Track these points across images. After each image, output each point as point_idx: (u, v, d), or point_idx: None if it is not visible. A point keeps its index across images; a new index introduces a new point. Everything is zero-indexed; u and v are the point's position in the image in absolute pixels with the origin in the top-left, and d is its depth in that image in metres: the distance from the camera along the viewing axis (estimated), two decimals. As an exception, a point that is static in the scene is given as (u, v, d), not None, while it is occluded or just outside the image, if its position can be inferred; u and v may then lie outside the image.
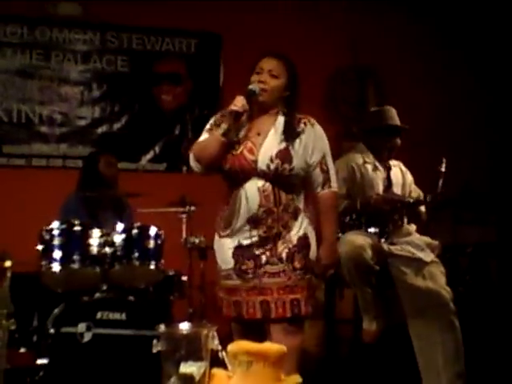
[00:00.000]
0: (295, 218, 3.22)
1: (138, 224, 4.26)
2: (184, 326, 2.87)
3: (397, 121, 4.32)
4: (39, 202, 5.43)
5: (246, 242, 3.18)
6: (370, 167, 4.30)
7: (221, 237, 3.27)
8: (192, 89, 6.40)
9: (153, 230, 4.21)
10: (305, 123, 3.27)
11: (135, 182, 5.13)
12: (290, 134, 3.20)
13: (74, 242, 4.07)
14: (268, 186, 3.16)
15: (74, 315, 3.84)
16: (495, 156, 6.71)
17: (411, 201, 4.21)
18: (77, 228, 4.09)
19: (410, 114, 6.41)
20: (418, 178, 4.71)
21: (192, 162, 3.26)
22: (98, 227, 4.16)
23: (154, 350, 2.71)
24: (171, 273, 4.71)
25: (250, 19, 6.27)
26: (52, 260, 4.02)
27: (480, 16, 6.69)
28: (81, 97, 6.13)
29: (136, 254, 4.12)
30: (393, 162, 4.45)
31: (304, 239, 3.24)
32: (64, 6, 6.01)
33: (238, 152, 3.19)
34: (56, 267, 4.01)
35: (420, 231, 4.39)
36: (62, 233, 4.06)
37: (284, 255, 3.18)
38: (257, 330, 3.23)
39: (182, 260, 5.01)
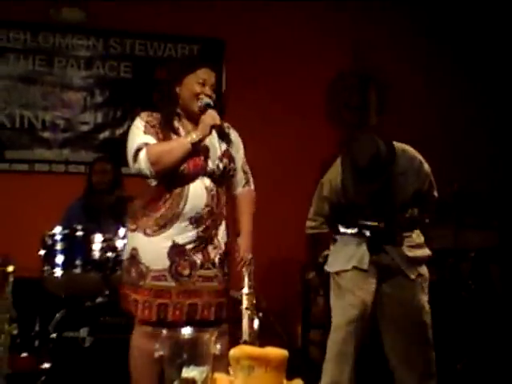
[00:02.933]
0: (222, 221, 3.33)
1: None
2: (186, 331, 2.88)
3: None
4: (42, 207, 5.44)
5: (181, 242, 3.19)
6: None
7: (149, 235, 3.20)
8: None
9: (155, 235, 4.21)
10: (228, 127, 3.41)
11: (137, 187, 5.12)
12: (224, 137, 3.30)
13: (76, 248, 4.10)
14: (213, 186, 3.25)
15: (75, 320, 3.87)
16: (498, 160, 6.71)
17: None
18: (79, 233, 4.12)
19: (411, 119, 6.47)
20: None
21: (144, 164, 3.15)
22: (100, 232, 4.18)
23: (156, 355, 2.72)
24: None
25: (253, 25, 6.28)
26: (54, 265, 4.05)
27: (483, 22, 6.70)
28: (83, 102, 6.13)
29: (138, 259, 4.12)
30: (404, 165, 4.38)
31: (228, 244, 3.37)
32: (67, 12, 6.01)
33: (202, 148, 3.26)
34: (58, 272, 4.04)
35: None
36: (64, 238, 4.10)
37: (217, 260, 3.27)
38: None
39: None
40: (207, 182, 3.23)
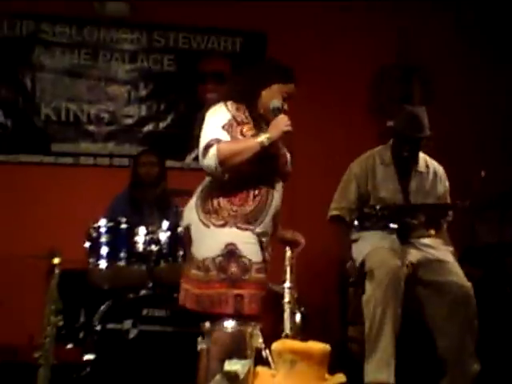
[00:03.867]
0: None
1: (183, 222, 4.30)
2: (229, 324, 2.90)
3: (422, 130, 4.25)
4: (86, 200, 5.50)
5: (263, 238, 3.24)
6: (382, 168, 4.35)
7: (244, 229, 3.18)
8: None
9: (198, 229, 4.24)
10: None
11: (180, 180, 5.16)
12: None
13: (120, 240, 4.14)
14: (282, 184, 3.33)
15: (119, 312, 3.91)
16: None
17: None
18: (123, 226, 4.16)
19: (456, 113, 6.39)
20: (461, 177, 4.68)
21: (212, 161, 3.13)
22: (144, 225, 4.21)
23: (199, 348, 2.74)
24: (215, 270, 4.73)
25: (295, 18, 6.26)
26: (99, 257, 4.10)
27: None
28: (128, 96, 6.18)
29: (181, 252, 4.16)
30: (426, 167, 4.41)
31: None
32: (111, 6, 6.06)
33: (284, 151, 3.32)
34: (103, 264, 4.09)
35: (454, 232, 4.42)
36: (109, 230, 4.14)
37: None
38: None
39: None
40: (281, 182, 3.33)
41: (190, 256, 3.31)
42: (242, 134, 3.19)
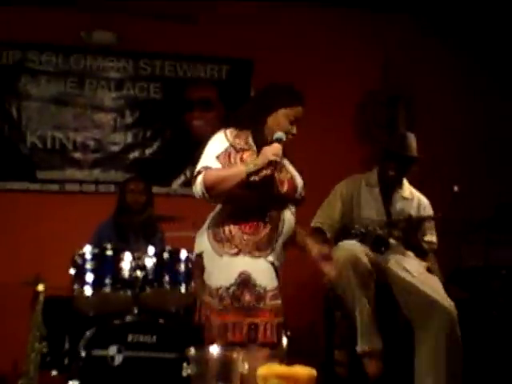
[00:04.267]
0: None
1: (169, 248, 4.30)
2: (214, 349, 2.88)
3: (410, 151, 4.32)
4: (72, 226, 5.48)
5: (276, 263, 3.22)
6: (367, 190, 4.39)
7: (256, 257, 3.16)
8: (223, 114, 6.44)
9: (183, 254, 4.25)
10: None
11: (166, 206, 5.16)
12: (298, 170, 3.36)
13: (105, 266, 4.12)
14: (294, 209, 3.29)
15: (105, 338, 3.87)
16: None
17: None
18: (108, 252, 4.15)
19: (441, 138, 6.43)
20: (447, 201, 4.70)
21: (199, 188, 3.15)
22: (130, 251, 4.20)
23: (185, 374, 2.72)
24: (202, 296, 4.71)
25: (281, 45, 6.29)
26: (84, 284, 4.07)
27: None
28: (114, 123, 6.20)
29: (167, 278, 4.16)
30: (410, 194, 4.45)
31: None
32: (98, 35, 6.09)
33: (290, 176, 3.29)
34: (88, 291, 4.06)
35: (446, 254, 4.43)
36: (94, 257, 4.12)
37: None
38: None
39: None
40: (292, 208, 3.28)
41: (201, 282, 3.30)
42: (241, 160, 3.17)
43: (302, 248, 3.35)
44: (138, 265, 4.16)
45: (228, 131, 3.27)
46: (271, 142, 3.15)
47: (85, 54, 6.15)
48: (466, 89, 6.61)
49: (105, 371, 3.79)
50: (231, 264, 3.15)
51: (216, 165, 3.17)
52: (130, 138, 6.21)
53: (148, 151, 6.23)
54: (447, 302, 3.99)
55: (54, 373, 4.10)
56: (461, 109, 6.56)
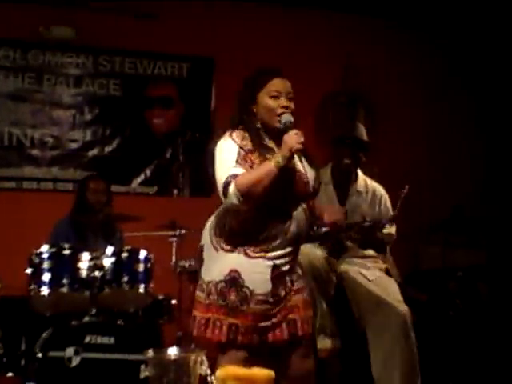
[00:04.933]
0: None
1: (128, 247, 4.27)
2: (172, 351, 2.86)
3: (362, 135, 4.35)
4: (29, 225, 5.43)
5: (278, 262, 3.06)
6: (321, 189, 4.40)
7: (251, 257, 3.04)
8: (184, 112, 6.42)
9: (142, 254, 4.22)
10: None
11: (126, 205, 5.12)
12: (306, 157, 3.19)
13: (63, 266, 4.07)
14: (306, 206, 3.13)
15: (62, 339, 3.82)
16: (487, 180, 6.74)
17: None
18: (66, 252, 4.09)
19: (400, 138, 6.49)
20: (409, 203, 4.71)
21: (234, 197, 2.93)
22: (88, 251, 4.16)
23: (142, 376, 2.70)
24: (161, 296, 4.70)
25: (242, 43, 6.30)
26: (41, 283, 4.01)
27: (475, 39, 6.74)
28: (72, 120, 6.14)
29: (125, 278, 4.13)
30: (365, 187, 4.44)
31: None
32: (57, 30, 6.02)
33: (300, 172, 3.14)
34: (45, 291, 4.00)
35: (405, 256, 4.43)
36: (52, 256, 4.06)
37: (300, 272, 3.21)
38: (266, 358, 3.13)
39: (172, 284, 4.99)
40: (304, 204, 3.12)
41: (199, 276, 3.22)
42: (251, 162, 3.03)
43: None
44: (96, 264, 4.11)
45: (234, 134, 3.09)
46: (281, 130, 3.02)
47: (43, 49, 6.09)
48: (426, 91, 6.68)
49: (62, 373, 3.74)
50: (224, 260, 3.07)
51: (239, 170, 2.99)
52: (89, 136, 6.16)
53: (107, 149, 6.18)
54: (402, 306, 3.97)
55: (10, 374, 4.04)
56: (421, 109, 6.63)
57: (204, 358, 2.91)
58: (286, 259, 3.09)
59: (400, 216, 4.22)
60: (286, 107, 3.07)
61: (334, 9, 6.49)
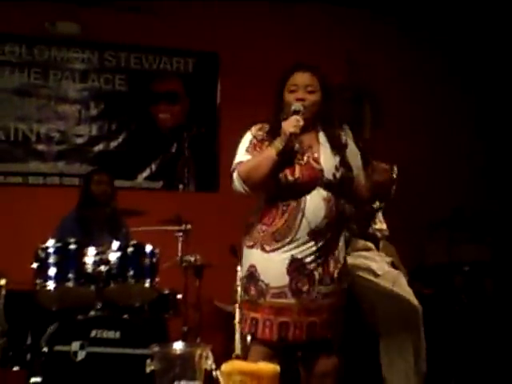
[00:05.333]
0: (342, 233, 3.20)
1: (134, 242, 4.27)
2: (178, 346, 2.87)
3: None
4: (36, 220, 5.43)
5: (300, 256, 3.06)
6: None
7: (267, 251, 3.08)
8: (189, 107, 6.42)
9: (148, 248, 4.22)
10: (345, 134, 3.25)
11: (131, 200, 5.12)
12: (339, 147, 3.17)
13: (69, 261, 4.07)
14: (331, 196, 3.08)
15: (68, 333, 3.83)
16: (491, 176, 6.72)
17: None
18: (72, 246, 4.10)
19: (406, 135, 6.48)
20: (414, 199, 4.72)
21: (238, 183, 3.09)
22: (94, 245, 4.17)
23: (148, 370, 2.70)
24: (166, 291, 4.71)
25: (247, 38, 6.30)
26: (47, 278, 4.02)
27: (480, 37, 6.72)
28: (78, 115, 6.14)
29: (131, 273, 4.13)
30: None
31: (345, 258, 3.24)
32: (62, 26, 6.03)
33: (304, 162, 3.10)
34: (51, 285, 4.01)
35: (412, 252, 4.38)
36: (58, 251, 4.07)
37: (336, 275, 3.12)
38: (286, 355, 3.19)
39: (178, 278, 5.00)
40: (324, 193, 3.07)
41: None
42: (261, 150, 3.12)
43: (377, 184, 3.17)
44: (102, 259, 4.12)
45: (254, 126, 3.21)
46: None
47: (49, 44, 6.09)
48: (427, 90, 6.67)
49: (67, 367, 3.75)
50: (246, 256, 3.17)
51: (247, 157, 3.12)
52: (94, 131, 6.16)
53: (113, 144, 6.19)
54: (414, 299, 3.97)
55: (16, 368, 4.05)
56: (427, 105, 6.61)
57: (209, 352, 2.92)
58: (308, 252, 3.06)
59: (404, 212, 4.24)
60: (302, 99, 3.11)
61: (336, 3, 6.47)
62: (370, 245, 4.23)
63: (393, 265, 4.24)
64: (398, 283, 3.98)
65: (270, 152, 3.02)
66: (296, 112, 3.05)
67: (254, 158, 3.10)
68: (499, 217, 6.32)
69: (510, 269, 5.85)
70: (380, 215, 4.30)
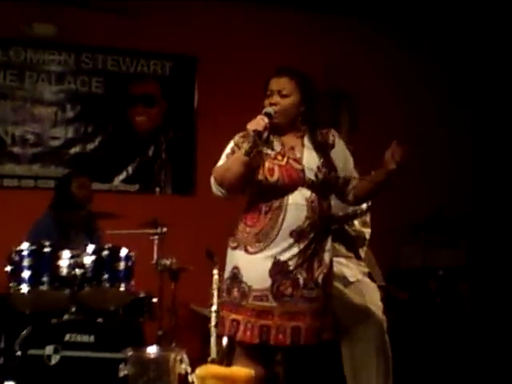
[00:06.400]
0: (327, 236, 3.18)
1: (109, 245, 4.24)
2: (152, 350, 2.86)
3: None
4: (10, 222, 5.39)
5: (283, 258, 3.05)
6: None
7: (250, 253, 3.09)
8: (166, 111, 6.41)
9: (123, 252, 4.19)
10: (333, 135, 3.27)
11: (108, 203, 5.11)
12: (323, 148, 3.19)
13: (43, 264, 4.04)
14: (314, 196, 3.09)
15: (41, 337, 3.80)
16: (469, 181, 6.77)
17: None
18: (46, 249, 4.07)
19: (384, 139, 6.49)
20: (391, 203, 4.73)
21: (214, 187, 3.14)
22: (69, 248, 4.14)
23: (121, 374, 2.70)
24: (142, 295, 4.68)
25: (225, 42, 6.30)
26: (21, 281, 3.98)
27: (459, 40, 6.78)
28: (54, 117, 6.10)
29: (106, 276, 4.10)
30: None
31: (332, 261, 3.22)
32: (38, 27, 5.99)
33: (284, 163, 3.12)
34: (25, 288, 3.98)
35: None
36: (32, 254, 4.03)
37: (320, 280, 3.11)
38: (267, 358, 3.20)
39: (153, 282, 4.98)
40: (307, 193, 3.08)
41: None
42: None
43: (377, 184, 3.19)
44: (77, 262, 4.09)
45: (236, 136, 3.22)
46: None
47: (25, 46, 6.05)
48: (408, 91, 6.70)
49: (41, 371, 3.72)
50: (230, 257, 3.18)
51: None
52: (70, 133, 6.13)
53: (89, 146, 6.16)
54: (379, 313, 3.90)
55: (-11, 373, 4.01)
56: (404, 110, 6.65)
57: (184, 356, 2.92)
58: (291, 254, 3.06)
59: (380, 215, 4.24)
60: (275, 104, 3.14)
61: (316, 9, 6.49)
62: (350, 254, 4.18)
63: (369, 276, 4.21)
64: (368, 295, 3.89)
65: (238, 154, 3.07)
66: (267, 114, 3.08)
67: (227, 161, 3.15)
68: (474, 220, 6.37)
69: (485, 273, 5.90)
70: (368, 217, 4.26)
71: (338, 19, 6.58)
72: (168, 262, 5.05)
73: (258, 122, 3.03)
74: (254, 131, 3.00)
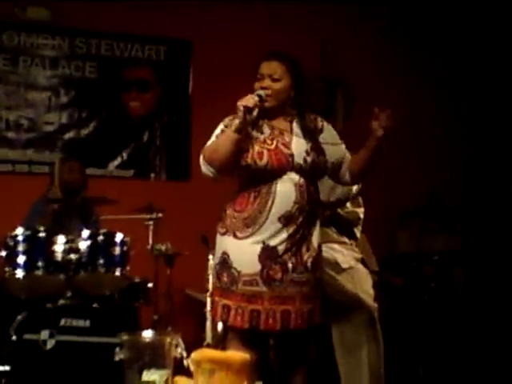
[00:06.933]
0: (315, 221, 3.18)
1: (104, 231, 4.24)
2: (147, 334, 2.86)
3: None
4: (4, 208, 5.37)
5: (272, 243, 3.05)
6: None
7: (239, 238, 3.09)
8: (161, 96, 6.39)
9: (119, 237, 4.20)
10: (321, 120, 3.26)
11: (102, 188, 5.09)
12: (311, 133, 3.18)
13: (38, 249, 4.04)
14: (303, 181, 3.09)
15: (37, 322, 3.80)
16: (464, 167, 6.78)
17: None
18: (41, 234, 4.07)
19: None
20: (386, 188, 4.74)
21: (204, 167, 3.11)
22: (64, 233, 4.14)
23: (117, 358, 2.70)
24: (137, 280, 4.68)
25: (220, 27, 6.28)
26: (16, 266, 3.99)
27: (454, 27, 6.77)
28: (48, 102, 6.07)
29: (101, 261, 4.10)
30: None
31: (320, 245, 3.22)
32: (32, 11, 5.96)
33: (273, 147, 3.10)
34: (20, 273, 3.99)
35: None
36: (27, 239, 4.04)
37: (309, 264, 3.10)
38: (259, 342, 3.21)
39: (149, 267, 4.98)
40: (296, 177, 3.08)
41: None
42: None
43: (369, 155, 3.17)
44: (72, 247, 4.09)
45: (226, 118, 3.20)
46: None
47: (18, 30, 6.00)
48: (404, 77, 6.69)
49: (36, 356, 3.73)
50: (219, 243, 3.18)
51: None
52: (64, 118, 6.10)
53: (83, 132, 6.13)
54: (370, 301, 3.87)
55: (-17, 358, 4.01)
56: (400, 96, 6.62)
57: (180, 340, 2.92)
58: (280, 239, 3.06)
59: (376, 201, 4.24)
60: (266, 88, 3.13)
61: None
62: (344, 239, 4.15)
63: (363, 262, 4.18)
64: (360, 282, 3.85)
65: (228, 132, 3.06)
66: (258, 96, 3.07)
67: (216, 140, 3.14)
68: (470, 206, 6.38)
69: (479, 258, 5.91)
70: (360, 199, 4.21)
71: (335, 4, 6.54)
72: (163, 247, 5.06)
73: (248, 99, 3.03)
74: (244, 107, 2.99)
